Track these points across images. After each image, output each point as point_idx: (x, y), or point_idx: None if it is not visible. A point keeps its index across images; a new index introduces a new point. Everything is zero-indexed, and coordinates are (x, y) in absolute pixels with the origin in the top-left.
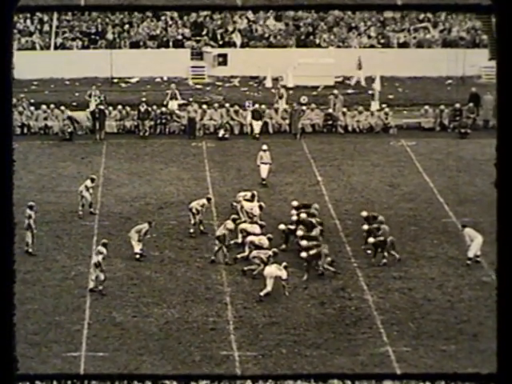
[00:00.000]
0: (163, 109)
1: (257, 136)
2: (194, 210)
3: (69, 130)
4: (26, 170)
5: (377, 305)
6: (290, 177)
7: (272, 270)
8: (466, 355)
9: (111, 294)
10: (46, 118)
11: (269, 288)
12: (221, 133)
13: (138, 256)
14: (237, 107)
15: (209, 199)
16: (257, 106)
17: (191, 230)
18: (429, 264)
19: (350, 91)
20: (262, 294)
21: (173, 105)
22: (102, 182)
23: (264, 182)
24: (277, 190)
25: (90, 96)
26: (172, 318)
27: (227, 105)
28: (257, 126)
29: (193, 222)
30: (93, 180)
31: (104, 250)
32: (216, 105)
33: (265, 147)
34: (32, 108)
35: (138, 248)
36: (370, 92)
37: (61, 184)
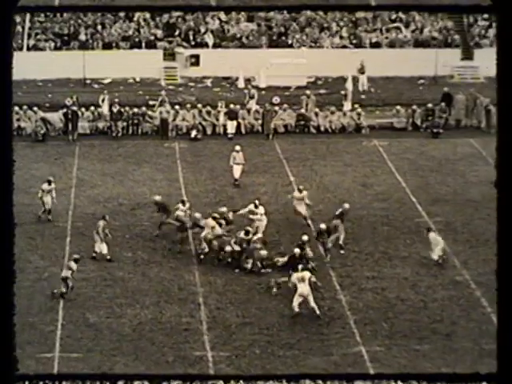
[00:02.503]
0: (135, 109)
1: (231, 136)
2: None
3: (41, 132)
4: None
5: (350, 304)
6: (262, 177)
7: None
8: (439, 355)
9: (84, 295)
10: (18, 119)
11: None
12: (193, 133)
13: (108, 257)
14: (209, 108)
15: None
16: (232, 106)
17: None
18: (402, 264)
19: (322, 91)
20: None
21: (162, 111)
22: (74, 183)
23: (237, 183)
24: (249, 190)
25: (102, 100)
26: (145, 319)
27: (199, 105)
28: (231, 126)
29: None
30: (50, 182)
31: (74, 267)
32: (188, 105)
33: (238, 148)
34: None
35: (104, 249)
36: (342, 92)
37: (34, 185)
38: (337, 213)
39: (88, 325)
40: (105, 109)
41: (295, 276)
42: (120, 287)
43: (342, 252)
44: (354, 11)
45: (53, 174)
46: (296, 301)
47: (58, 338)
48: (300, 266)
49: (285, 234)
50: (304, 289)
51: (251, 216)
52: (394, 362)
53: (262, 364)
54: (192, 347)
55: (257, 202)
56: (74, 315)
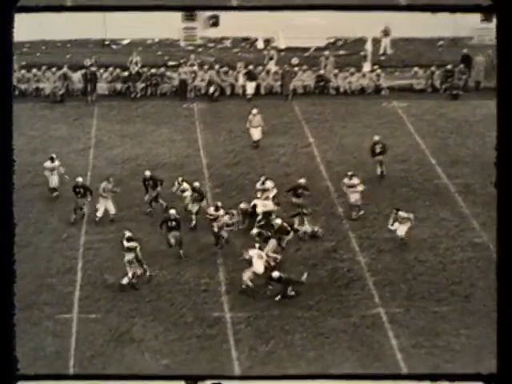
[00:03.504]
0: (153, 70)
1: (250, 97)
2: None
3: (60, 93)
4: (17, 132)
5: (369, 266)
6: (281, 138)
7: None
8: (457, 316)
9: (102, 256)
10: (37, 81)
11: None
12: (211, 89)
13: (97, 220)
14: (228, 68)
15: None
16: (251, 67)
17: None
18: (421, 225)
19: (341, 52)
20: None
21: (180, 72)
22: (93, 143)
23: (256, 145)
24: (268, 151)
25: (130, 62)
26: (164, 280)
27: (217, 66)
28: (250, 87)
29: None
30: (52, 159)
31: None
32: (206, 66)
33: (254, 111)
34: (23, 70)
35: (112, 210)
36: (362, 53)
37: (52, 146)
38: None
39: (106, 286)
40: (133, 69)
41: (255, 252)
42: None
43: (360, 213)
44: (385, 11)
45: (71, 135)
46: (246, 275)
47: (76, 299)
48: (257, 245)
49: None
50: (259, 267)
51: (259, 193)
52: (413, 324)
53: (280, 325)
54: (211, 308)
55: (262, 178)
56: (92, 276)
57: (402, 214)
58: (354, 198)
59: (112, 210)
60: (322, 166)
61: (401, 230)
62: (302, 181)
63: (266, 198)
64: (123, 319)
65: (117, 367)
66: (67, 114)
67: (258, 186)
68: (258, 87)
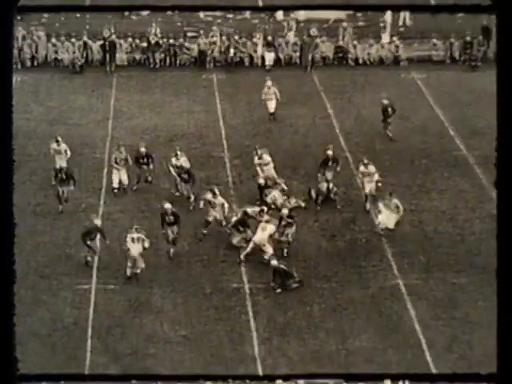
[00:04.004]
0: (172, 41)
1: (269, 68)
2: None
3: (79, 63)
4: (36, 102)
5: (387, 237)
6: (300, 109)
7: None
8: (476, 288)
9: (121, 227)
10: (56, 51)
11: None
12: (231, 52)
13: (115, 191)
14: (244, 39)
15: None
16: (270, 37)
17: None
18: (439, 197)
19: (360, 23)
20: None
21: (200, 42)
22: (112, 114)
23: (272, 117)
24: (287, 122)
25: (149, 33)
26: (182, 251)
27: (236, 37)
28: (269, 58)
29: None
30: (58, 142)
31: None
32: (224, 37)
33: (269, 83)
34: (42, 40)
35: (125, 181)
36: (381, 24)
37: (71, 117)
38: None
39: (125, 256)
40: (153, 39)
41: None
42: (157, 218)
43: (379, 184)
44: (384, 11)
45: (90, 105)
46: (236, 240)
47: (94, 270)
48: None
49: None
50: (262, 238)
51: (259, 169)
52: (431, 295)
53: (298, 297)
54: (229, 279)
55: (259, 152)
56: (111, 246)
57: (395, 201)
58: (370, 187)
59: (125, 181)
60: (340, 137)
61: (390, 220)
62: (330, 152)
63: (267, 172)
64: (142, 290)
65: (135, 338)
66: (86, 84)
67: (256, 161)
68: (277, 58)
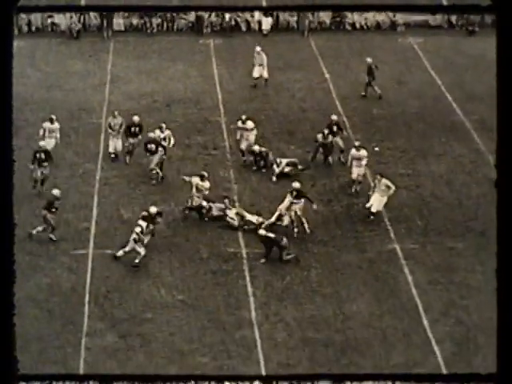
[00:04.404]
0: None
1: (266, 33)
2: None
3: (76, 28)
4: (33, 68)
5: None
6: (297, 74)
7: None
8: (473, 252)
9: (118, 192)
10: (51, 16)
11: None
12: (227, 17)
13: (113, 156)
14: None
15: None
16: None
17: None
18: (437, 161)
19: None
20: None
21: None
22: (109, 79)
23: (255, 83)
24: (284, 86)
25: None
26: (179, 215)
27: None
28: (266, 22)
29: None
30: (52, 120)
31: (144, 225)
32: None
33: (258, 49)
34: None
35: (118, 145)
36: None
37: (68, 82)
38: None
39: (122, 221)
40: None
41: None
42: (154, 183)
43: (376, 149)
44: (353, 11)
45: (87, 71)
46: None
47: (92, 235)
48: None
49: (320, 130)
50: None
51: (238, 133)
52: (428, 260)
53: (295, 262)
54: (226, 244)
55: (243, 117)
56: (108, 212)
57: (385, 181)
58: (357, 172)
59: (119, 147)
60: (337, 102)
61: (378, 203)
62: (335, 117)
63: (247, 139)
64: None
65: (132, 303)
66: (83, 49)
67: (239, 124)
68: (274, 23)
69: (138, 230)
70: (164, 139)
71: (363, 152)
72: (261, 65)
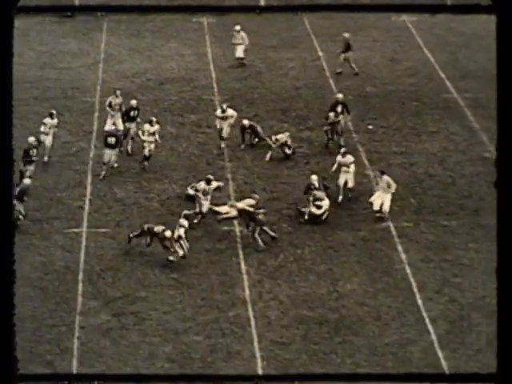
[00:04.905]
0: None
1: (258, 11)
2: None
3: None
4: (26, 46)
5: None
6: (291, 52)
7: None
8: (466, 230)
9: (112, 170)
10: None
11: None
12: None
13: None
14: None
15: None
16: None
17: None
18: (430, 139)
19: None
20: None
21: None
22: (102, 58)
23: (241, 62)
24: (278, 65)
25: None
26: (173, 194)
27: None
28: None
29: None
30: (52, 115)
31: (186, 224)
32: None
33: (237, 27)
34: None
35: (120, 126)
36: None
37: (62, 60)
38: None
39: (116, 200)
40: None
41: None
42: (148, 162)
43: (369, 127)
44: (353, 11)
45: (81, 50)
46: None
47: (85, 213)
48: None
49: (313, 108)
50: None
51: (217, 121)
52: (422, 238)
53: (289, 239)
54: (220, 222)
55: (224, 106)
56: (101, 190)
57: (386, 178)
58: (345, 178)
59: (120, 126)
60: (331, 80)
61: (383, 201)
62: (340, 96)
63: (228, 125)
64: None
65: (126, 281)
66: (76, 28)
67: (218, 114)
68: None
69: (182, 231)
70: (153, 134)
71: (349, 157)
72: (241, 44)
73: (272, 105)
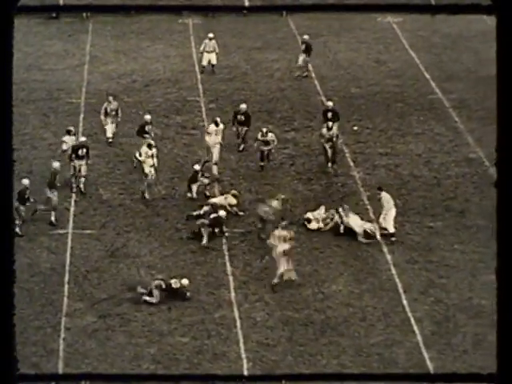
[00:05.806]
0: None
1: (245, 12)
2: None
3: None
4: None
5: (363, 181)
6: (276, 53)
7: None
8: (452, 231)
9: (97, 172)
10: None
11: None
12: None
13: (110, 141)
14: None
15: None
16: None
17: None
18: (415, 140)
19: None
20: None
21: None
22: (88, 59)
23: (208, 69)
24: (263, 66)
25: None
26: (159, 195)
27: None
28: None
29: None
30: (69, 132)
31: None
32: None
33: (211, 35)
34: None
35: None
36: None
37: (47, 62)
38: None
39: (101, 201)
40: None
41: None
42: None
43: (354, 128)
44: (352, 11)
45: (66, 51)
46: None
47: (71, 215)
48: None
49: (299, 109)
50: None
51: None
52: (408, 239)
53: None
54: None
55: (264, 130)
56: (87, 192)
57: (385, 194)
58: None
59: (113, 130)
60: (316, 81)
61: (387, 222)
62: (330, 103)
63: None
64: (118, 235)
65: (112, 283)
66: (62, 29)
67: (259, 137)
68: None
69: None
70: (152, 156)
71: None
72: (212, 51)
73: (257, 106)
